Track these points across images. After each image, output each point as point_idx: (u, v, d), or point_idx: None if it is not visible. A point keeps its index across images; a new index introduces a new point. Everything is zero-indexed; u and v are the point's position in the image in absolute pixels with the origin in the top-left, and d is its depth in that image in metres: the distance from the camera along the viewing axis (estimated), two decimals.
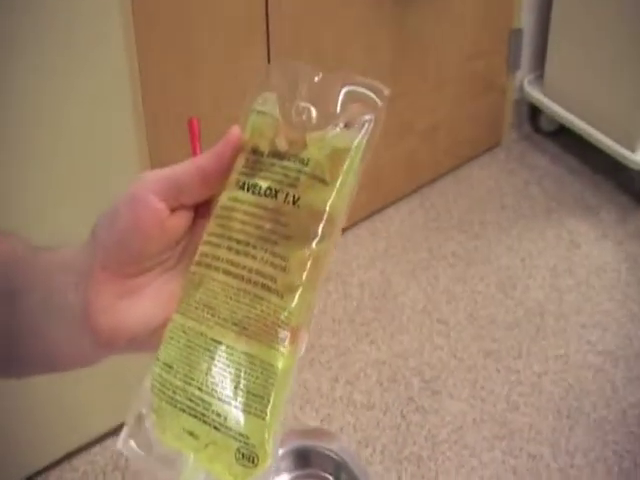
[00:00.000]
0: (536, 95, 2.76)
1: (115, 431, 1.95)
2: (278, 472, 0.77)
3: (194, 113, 0.64)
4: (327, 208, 0.47)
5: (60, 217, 1.60)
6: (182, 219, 0.49)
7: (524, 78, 2.81)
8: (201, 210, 0.51)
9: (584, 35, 2.57)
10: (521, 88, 2.80)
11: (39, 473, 1.87)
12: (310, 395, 2.05)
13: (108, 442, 1.94)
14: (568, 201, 2.57)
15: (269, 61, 2.12)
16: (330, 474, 0.79)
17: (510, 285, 2.32)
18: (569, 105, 2.66)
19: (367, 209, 2.57)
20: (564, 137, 2.74)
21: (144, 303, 0.50)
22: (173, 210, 0.49)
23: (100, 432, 1.94)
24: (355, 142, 0.49)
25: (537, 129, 2.83)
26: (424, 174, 2.67)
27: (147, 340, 0.50)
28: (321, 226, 0.48)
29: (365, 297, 2.32)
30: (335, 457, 0.79)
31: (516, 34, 2.69)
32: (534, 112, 2.83)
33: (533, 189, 2.63)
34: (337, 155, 0.48)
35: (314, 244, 0.47)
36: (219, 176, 0.49)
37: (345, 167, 0.48)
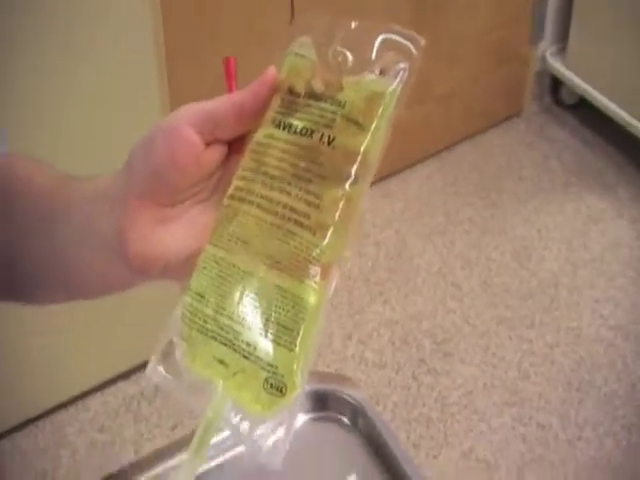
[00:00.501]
0: (558, 67, 2.75)
1: (128, 374, 1.95)
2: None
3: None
4: (361, 150, 0.48)
5: (81, 159, 1.59)
6: (216, 153, 0.50)
7: (547, 49, 2.79)
8: (235, 146, 0.51)
9: (609, 8, 2.55)
10: (543, 59, 2.78)
11: (53, 410, 1.87)
12: (322, 351, 2.05)
13: (120, 384, 1.94)
14: (586, 176, 2.57)
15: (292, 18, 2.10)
16: (347, 418, 0.79)
17: (525, 255, 2.32)
18: (591, 78, 2.65)
19: (385, 170, 2.56)
20: (585, 110, 2.72)
21: (177, 232, 0.50)
22: (208, 144, 0.49)
23: (113, 374, 1.94)
24: (390, 89, 0.49)
25: (558, 101, 2.82)
26: (443, 139, 2.67)
27: (179, 269, 0.50)
28: (355, 168, 0.48)
29: (380, 257, 2.32)
30: (353, 402, 0.79)
31: (540, 4, 2.67)
32: (555, 84, 2.82)
33: (552, 162, 2.63)
34: (372, 100, 0.48)
35: (347, 185, 0.48)
36: (254, 113, 0.50)
37: (380, 112, 0.49)
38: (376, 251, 2.33)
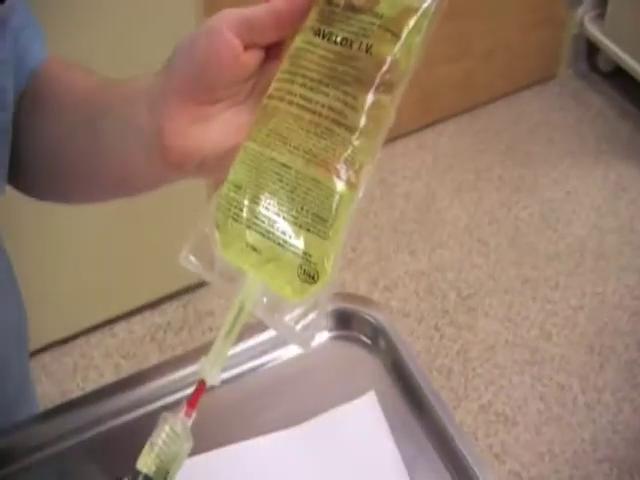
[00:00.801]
0: (595, 33, 2.72)
1: (155, 304, 1.96)
2: (319, 329, 0.79)
3: None
4: (396, 59, 0.50)
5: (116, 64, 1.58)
6: (254, 56, 0.52)
7: (585, 14, 2.76)
8: (272, 52, 0.53)
9: None
10: (581, 24, 2.76)
11: (80, 334, 1.88)
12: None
13: (147, 314, 1.95)
14: (617, 144, 2.56)
15: None
16: (368, 338, 0.80)
17: (553, 218, 2.32)
18: (628, 47, 2.63)
19: (417, 122, 2.55)
20: (620, 79, 2.71)
21: (214, 130, 0.52)
22: (247, 47, 0.51)
23: (140, 303, 1.94)
24: (426, 4, 0.51)
25: (594, 68, 2.80)
26: (476, 96, 2.65)
27: (214, 166, 0.53)
28: (390, 74, 0.50)
29: (409, 208, 2.32)
30: (374, 322, 0.80)
31: None
32: (592, 50, 2.80)
33: (584, 127, 2.62)
34: (408, 13, 0.50)
35: (382, 90, 0.50)
36: (291, 19, 0.52)
37: (415, 25, 0.50)
38: (405, 202, 2.33)
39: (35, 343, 1.81)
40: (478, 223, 2.29)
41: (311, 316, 0.49)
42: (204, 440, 0.66)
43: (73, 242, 1.80)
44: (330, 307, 0.80)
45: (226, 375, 0.75)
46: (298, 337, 0.49)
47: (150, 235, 1.85)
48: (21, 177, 0.70)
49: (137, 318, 1.93)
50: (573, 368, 1.98)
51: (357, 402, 0.74)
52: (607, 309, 2.10)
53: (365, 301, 0.83)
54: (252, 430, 0.72)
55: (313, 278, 0.48)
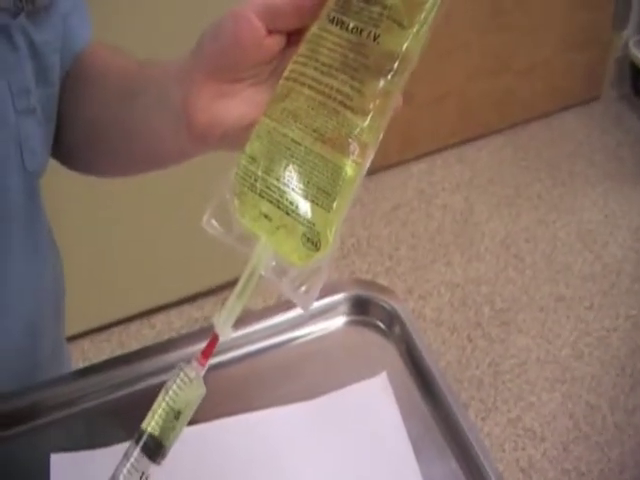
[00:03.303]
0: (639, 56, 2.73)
1: (194, 298, 1.98)
2: (336, 314, 0.82)
3: None
4: (403, 48, 0.53)
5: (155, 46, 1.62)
6: (276, 41, 0.56)
7: (630, 38, 2.77)
8: (293, 38, 0.57)
9: None
10: (626, 47, 2.77)
11: (119, 323, 1.90)
12: None
13: (185, 307, 1.97)
14: None
15: None
16: (384, 324, 0.82)
17: (590, 238, 2.33)
18: None
19: (458, 136, 2.57)
20: None
21: (236, 105, 0.57)
22: (270, 32, 0.55)
23: (179, 297, 1.97)
24: None
25: (637, 91, 2.81)
26: (517, 113, 2.66)
27: (236, 138, 0.57)
28: (396, 63, 0.53)
29: (446, 220, 2.33)
30: (390, 309, 0.82)
31: None
32: (636, 74, 2.80)
33: (624, 151, 2.62)
34: (416, 5, 0.53)
35: (388, 77, 0.53)
36: (311, 8, 0.55)
37: (422, 17, 0.53)
38: (443, 214, 2.35)
39: (76, 328, 1.83)
40: (515, 239, 2.30)
41: (313, 280, 0.53)
42: (216, 408, 0.71)
43: (119, 232, 1.83)
44: (349, 293, 0.83)
45: (245, 350, 0.79)
46: (300, 298, 0.53)
47: (192, 232, 1.87)
48: (62, 150, 0.77)
49: (175, 311, 1.96)
50: (603, 389, 1.98)
51: (369, 382, 0.76)
52: None
53: (382, 289, 0.85)
54: (265, 403, 0.75)
55: (316, 246, 0.52)
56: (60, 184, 0.88)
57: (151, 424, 0.52)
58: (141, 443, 0.52)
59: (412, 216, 2.32)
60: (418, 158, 2.51)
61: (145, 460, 0.52)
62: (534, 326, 2.09)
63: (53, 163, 0.77)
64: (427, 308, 2.09)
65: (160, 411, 0.52)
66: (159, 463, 0.52)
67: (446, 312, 2.10)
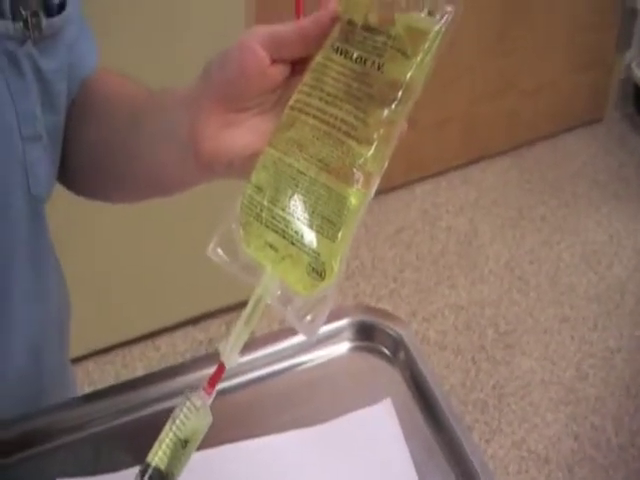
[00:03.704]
0: None
1: (197, 320, 1.99)
2: (340, 340, 0.83)
3: None
4: (407, 78, 0.54)
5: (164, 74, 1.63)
6: (280, 70, 0.57)
7: (633, 60, 2.78)
8: (298, 68, 0.58)
9: None
10: (629, 68, 2.78)
11: (123, 345, 1.91)
12: None
13: (189, 329, 1.98)
14: None
15: None
16: (389, 350, 0.82)
17: (595, 259, 2.33)
18: None
19: (462, 158, 2.58)
20: None
21: (242, 134, 0.58)
22: (274, 61, 0.56)
23: (183, 318, 1.97)
24: (436, 27, 0.54)
25: None
26: (522, 135, 2.67)
27: (241, 167, 0.58)
28: (400, 92, 0.54)
29: (450, 242, 2.34)
30: (395, 335, 0.82)
31: (629, 14, 2.66)
32: (639, 95, 2.81)
33: (628, 171, 2.63)
34: (420, 35, 0.54)
35: (393, 106, 0.54)
36: (316, 38, 0.56)
37: (425, 47, 0.54)
38: (447, 236, 2.35)
39: (80, 350, 1.84)
40: (519, 261, 2.31)
41: (318, 309, 0.53)
42: (222, 435, 0.71)
43: (122, 253, 1.83)
44: (353, 318, 0.84)
45: (249, 377, 0.80)
46: (305, 327, 0.54)
47: (196, 254, 1.88)
48: (68, 174, 0.77)
49: (179, 332, 1.96)
50: (608, 410, 1.98)
51: (374, 408, 0.77)
52: None
53: (387, 315, 0.85)
54: (270, 429, 0.75)
55: (321, 275, 0.53)
56: (64, 207, 0.88)
57: (158, 454, 0.52)
58: (147, 477, 0.52)
59: (416, 238, 2.33)
60: (422, 180, 2.52)
61: None
62: (538, 348, 2.09)
63: (57, 187, 0.77)
64: (431, 330, 2.10)
65: (167, 441, 0.53)
66: None
67: (450, 335, 2.10)
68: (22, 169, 0.70)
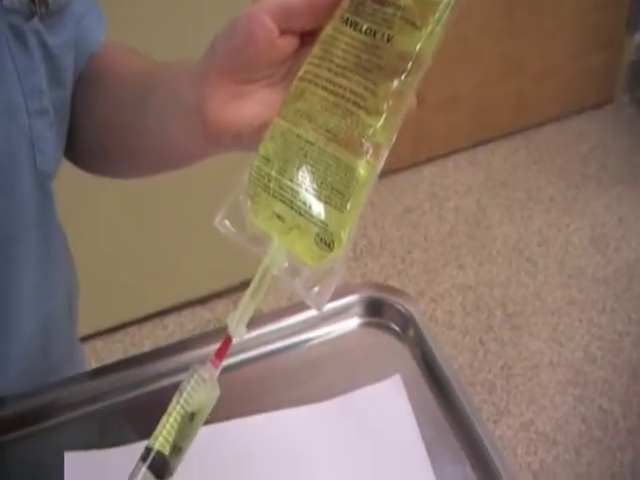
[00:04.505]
0: None
1: (204, 300, 1.99)
2: (350, 316, 0.82)
3: None
4: (416, 49, 0.53)
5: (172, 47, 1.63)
6: (289, 42, 0.56)
7: None
8: (307, 39, 0.57)
9: None
10: (638, 50, 2.76)
11: (132, 323, 1.91)
12: None
13: (197, 308, 1.98)
14: None
15: None
16: (398, 326, 0.82)
17: (603, 242, 2.32)
18: None
19: (471, 139, 2.57)
20: None
21: (249, 106, 0.57)
22: (283, 33, 0.55)
23: (190, 298, 1.97)
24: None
25: None
26: (531, 116, 2.66)
27: (249, 139, 0.57)
28: (410, 63, 0.53)
29: (459, 223, 2.33)
30: (405, 312, 0.82)
31: None
32: None
33: (637, 154, 2.62)
34: (429, 6, 0.53)
35: (402, 77, 0.53)
36: (325, 9, 0.55)
37: (435, 17, 0.53)
38: (455, 216, 2.35)
39: (89, 329, 1.84)
40: (527, 242, 2.30)
41: (326, 281, 0.53)
42: (231, 410, 0.71)
43: (131, 233, 1.83)
44: (363, 295, 0.83)
45: (259, 352, 0.79)
46: (313, 299, 0.53)
47: (204, 233, 1.87)
48: (76, 151, 0.77)
49: (187, 312, 1.96)
50: (616, 393, 1.98)
51: (383, 384, 0.76)
52: None
53: (397, 291, 0.85)
54: (279, 404, 0.75)
55: (329, 246, 0.52)
56: (71, 186, 0.88)
57: (162, 435, 0.51)
58: (147, 463, 0.51)
59: (424, 219, 2.32)
60: (430, 160, 2.51)
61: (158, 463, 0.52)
62: (546, 330, 2.09)
63: (65, 167, 0.77)
64: (439, 311, 2.09)
65: (175, 414, 0.52)
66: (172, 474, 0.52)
67: (458, 315, 2.09)
68: (28, 144, 0.70)
